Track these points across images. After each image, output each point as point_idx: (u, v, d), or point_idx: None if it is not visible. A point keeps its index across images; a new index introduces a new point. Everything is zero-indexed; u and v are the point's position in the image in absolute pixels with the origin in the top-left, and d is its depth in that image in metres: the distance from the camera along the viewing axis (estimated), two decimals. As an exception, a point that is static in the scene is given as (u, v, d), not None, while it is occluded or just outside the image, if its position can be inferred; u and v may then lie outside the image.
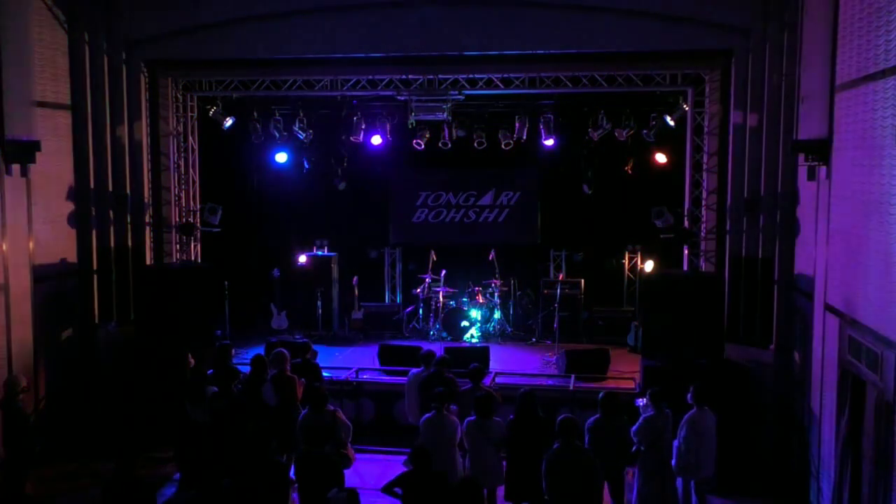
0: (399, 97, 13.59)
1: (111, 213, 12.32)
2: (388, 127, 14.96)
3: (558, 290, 14.62)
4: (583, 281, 15.33)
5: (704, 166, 12.68)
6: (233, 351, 10.11)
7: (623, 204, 15.54)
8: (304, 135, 14.88)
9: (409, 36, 11.75)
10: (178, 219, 13.71)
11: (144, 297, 12.00)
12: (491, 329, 15.12)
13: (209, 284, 12.32)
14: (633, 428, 8.05)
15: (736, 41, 11.26)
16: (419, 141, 15.00)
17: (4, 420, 8.59)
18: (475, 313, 14.98)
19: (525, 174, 16.52)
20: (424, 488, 6.50)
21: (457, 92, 13.16)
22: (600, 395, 8.18)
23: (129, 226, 12.59)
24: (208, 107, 14.05)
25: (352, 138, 14.88)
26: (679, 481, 8.30)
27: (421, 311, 15.47)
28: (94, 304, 12.03)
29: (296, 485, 7.28)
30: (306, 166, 16.27)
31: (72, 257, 11.68)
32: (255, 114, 14.71)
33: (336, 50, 12.14)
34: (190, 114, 13.99)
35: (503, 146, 14.97)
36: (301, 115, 14.67)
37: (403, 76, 13.13)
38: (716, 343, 10.58)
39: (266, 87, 13.58)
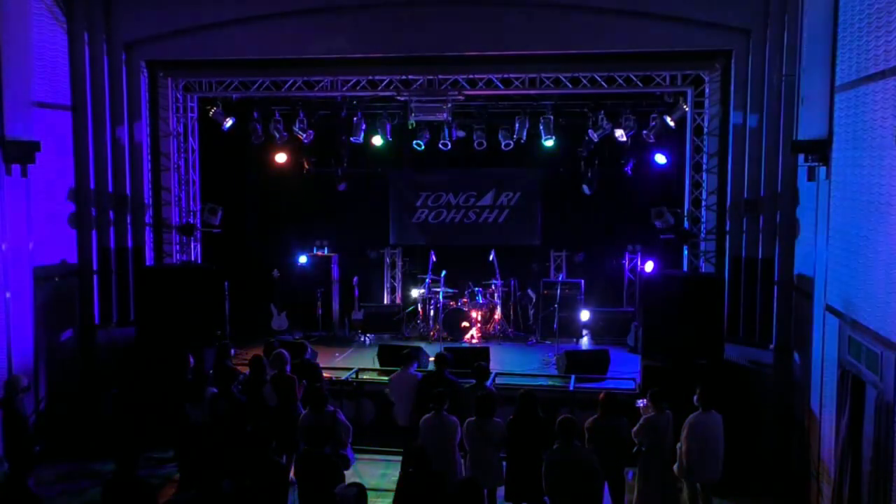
0: (399, 98, 13.58)
1: (111, 213, 12.33)
2: (388, 127, 14.97)
3: (558, 291, 14.63)
4: (583, 281, 15.33)
5: (704, 167, 12.67)
6: (232, 351, 10.12)
7: (623, 204, 15.54)
8: (304, 135, 14.88)
9: (409, 36, 11.75)
10: (178, 219, 13.70)
11: (144, 298, 12.00)
12: (491, 329, 15.11)
13: (209, 285, 12.31)
14: (634, 429, 8.06)
15: (736, 41, 11.25)
16: (419, 141, 15.00)
17: (4, 420, 8.60)
18: (475, 314, 14.98)
19: (525, 174, 16.53)
20: (424, 489, 6.49)
21: (457, 92, 13.15)
22: (601, 395, 8.19)
23: (129, 226, 12.59)
24: (208, 107, 14.05)
25: (352, 138, 14.89)
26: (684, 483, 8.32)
27: (421, 312, 15.48)
28: (94, 305, 12.03)
29: (296, 485, 7.28)
30: (306, 167, 16.27)
31: (72, 258, 11.69)
32: (256, 114, 14.70)
33: (336, 50, 12.13)
34: (190, 114, 13.98)
35: (503, 146, 14.96)
36: (301, 115, 14.66)
37: (403, 76, 13.12)
38: (716, 343, 10.58)
39: (266, 88, 13.58)
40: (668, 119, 13.56)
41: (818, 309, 8.77)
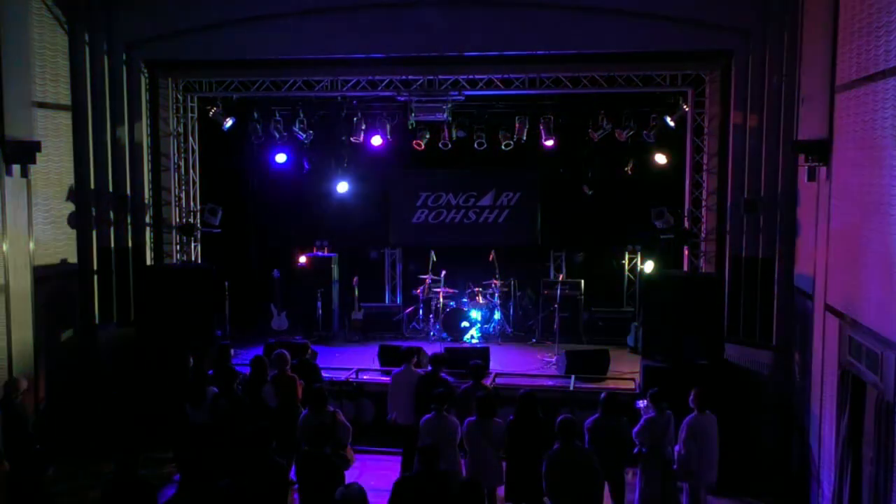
0: (399, 98, 13.59)
1: (111, 213, 12.32)
2: (388, 127, 14.96)
3: (558, 291, 14.63)
4: (583, 281, 15.33)
5: (704, 167, 12.67)
6: (232, 351, 10.12)
7: (623, 204, 15.53)
8: (304, 135, 14.88)
9: (409, 36, 11.75)
10: (178, 219, 13.70)
11: (145, 298, 12.01)
12: (491, 330, 15.11)
13: (209, 285, 12.30)
14: (635, 430, 8.06)
15: (736, 42, 11.26)
16: (419, 141, 14.99)
17: (4, 421, 8.59)
18: (475, 314, 14.98)
19: (525, 175, 16.52)
20: (428, 488, 6.48)
21: (457, 92, 13.16)
22: (601, 395, 8.19)
23: (129, 226, 12.59)
24: (208, 107, 14.04)
25: (352, 139, 14.89)
26: (683, 484, 8.31)
27: (421, 312, 15.48)
28: (94, 305, 12.03)
29: (296, 485, 7.27)
30: (306, 167, 16.27)
31: (72, 258, 11.68)
32: (256, 114, 14.70)
33: (336, 50, 12.14)
34: (190, 114, 13.98)
35: (503, 147, 14.96)
36: (301, 115, 14.66)
37: (403, 77, 13.12)
38: (716, 344, 10.58)
39: (266, 88, 13.58)
40: (668, 119, 13.57)
41: (818, 309, 8.78)
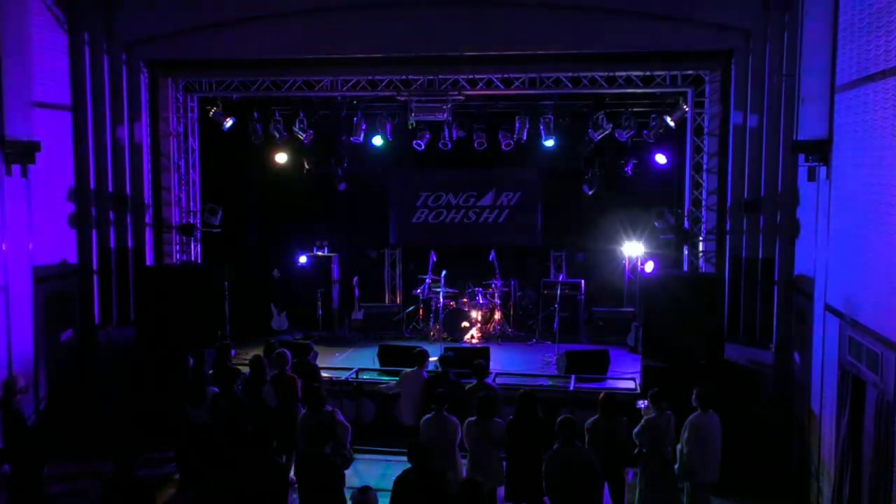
0: (399, 98, 13.60)
1: (111, 213, 12.32)
2: (388, 127, 14.97)
3: (558, 291, 14.62)
4: (583, 281, 15.33)
5: (704, 167, 12.68)
6: (232, 351, 10.11)
7: (623, 204, 15.53)
8: (304, 135, 14.87)
9: (409, 36, 11.76)
10: (178, 219, 13.71)
11: (145, 298, 12.01)
12: (491, 329, 15.11)
13: (209, 285, 12.31)
14: (635, 430, 8.05)
15: (736, 42, 11.26)
16: (419, 141, 14.99)
17: (3, 421, 8.59)
18: (475, 314, 14.98)
19: (525, 175, 16.52)
20: (424, 487, 6.48)
21: (457, 92, 13.17)
22: (601, 395, 8.18)
23: (129, 226, 12.59)
24: (208, 107, 14.05)
25: (352, 139, 14.89)
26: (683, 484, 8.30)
27: (421, 312, 15.47)
28: (94, 305, 12.02)
29: (296, 485, 7.27)
30: (306, 167, 16.27)
31: (72, 258, 11.68)
32: (256, 114, 14.70)
33: (336, 50, 12.14)
34: (190, 114, 13.99)
35: (503, 146, 14.96)
36: (301, 115, 14.66)
37: (403, 77, 13.13)
38: (716, 343, 10.58)
39: (266, 88, 13.58)
40: (669, 119, 13.57)
41: (818, 309, 8.77)
